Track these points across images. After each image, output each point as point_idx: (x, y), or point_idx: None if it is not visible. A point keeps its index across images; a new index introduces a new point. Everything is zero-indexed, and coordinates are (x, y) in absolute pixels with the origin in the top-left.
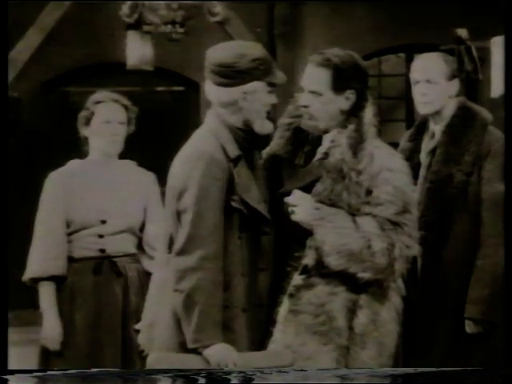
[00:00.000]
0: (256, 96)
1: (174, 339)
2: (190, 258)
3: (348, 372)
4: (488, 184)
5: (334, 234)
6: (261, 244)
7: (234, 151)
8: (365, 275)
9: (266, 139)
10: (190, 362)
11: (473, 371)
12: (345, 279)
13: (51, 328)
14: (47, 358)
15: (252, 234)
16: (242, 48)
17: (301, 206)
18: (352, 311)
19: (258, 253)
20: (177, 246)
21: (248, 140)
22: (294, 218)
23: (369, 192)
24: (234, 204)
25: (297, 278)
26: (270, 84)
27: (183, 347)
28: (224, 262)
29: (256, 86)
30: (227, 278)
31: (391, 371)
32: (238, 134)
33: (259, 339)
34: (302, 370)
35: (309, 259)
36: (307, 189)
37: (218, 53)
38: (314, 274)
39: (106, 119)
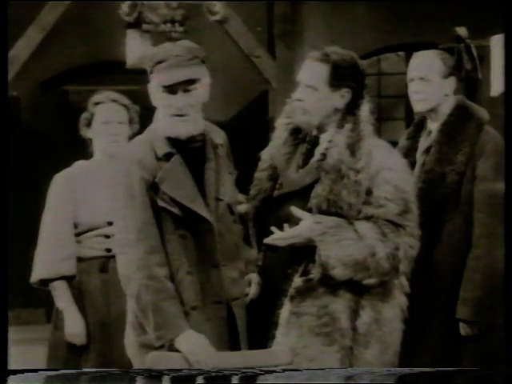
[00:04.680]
0: (153, 96)
1: (135, 338)
2: (129, 261)
3: (347, 372)
4: (481, 184)
5: (337, 248)
6: (207, 241)
7: (162, 149)
8: (370, 281)
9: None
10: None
11: (473, 371)
12: (347, 281)
13: (75, 323)
14: (71, 356)
15: (195, 233)
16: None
17: (301, 223)
18: (355, 311)
19: (206, 250)
20: (117, 250)
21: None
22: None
23: (369, 192)
24: (160, 203)
25: (297, 281)
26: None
27: (145, 346)
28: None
29: (150, 85)
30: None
31: (386, 371)
32: None
33: (223, 335)
34: (294, 370)
35: (314, 274)
36: (306, 190)
37: None
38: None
39: (105, 120)
